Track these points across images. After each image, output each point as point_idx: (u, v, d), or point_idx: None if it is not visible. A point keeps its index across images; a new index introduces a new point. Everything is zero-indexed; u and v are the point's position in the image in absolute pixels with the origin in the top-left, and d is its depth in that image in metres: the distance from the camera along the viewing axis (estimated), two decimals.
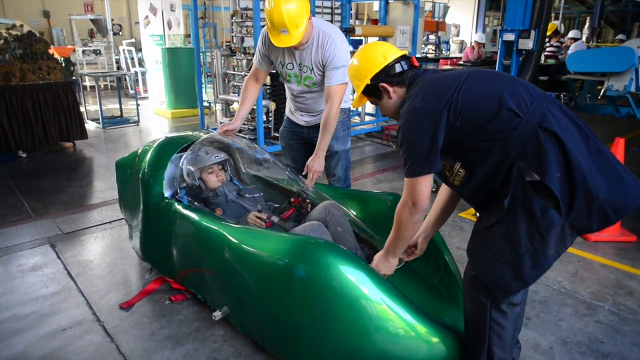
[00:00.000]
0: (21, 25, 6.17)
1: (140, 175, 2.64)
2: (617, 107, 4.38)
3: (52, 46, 9.36)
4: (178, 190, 2.63)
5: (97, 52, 11.11)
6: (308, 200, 2.50)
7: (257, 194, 2.73)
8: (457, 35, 15.76)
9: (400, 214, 1.59)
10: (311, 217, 2.40)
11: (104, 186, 4.39)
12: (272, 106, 5.07)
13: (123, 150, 5.70)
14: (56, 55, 5.87)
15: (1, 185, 4.35)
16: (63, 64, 7.82)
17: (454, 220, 3.56)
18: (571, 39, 8.81)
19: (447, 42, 13.61)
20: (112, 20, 10.98)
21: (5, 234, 3.30)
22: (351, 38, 6.08)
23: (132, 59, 10.66)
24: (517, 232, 1.37)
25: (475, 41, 8.99)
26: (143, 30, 8.72)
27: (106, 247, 3.13)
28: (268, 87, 5.31)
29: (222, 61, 5.81)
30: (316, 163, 2.53)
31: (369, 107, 7.28)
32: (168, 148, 2.70)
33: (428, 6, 11.85)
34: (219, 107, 6.37)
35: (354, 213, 2.48)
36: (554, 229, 1.34)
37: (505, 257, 1.41)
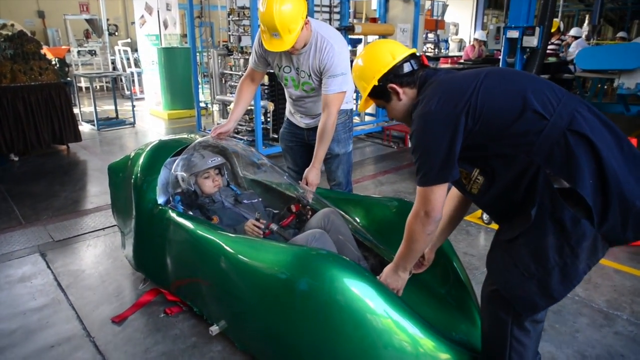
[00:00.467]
0: (12, 25, 6.02)
1: (132, 181, 2.51)
2: (627, 105, 4.26)
3: (45, 47, 9.23)
4: (171, 198, 2.50)
5: (92, 53, 10.97)
6: (308, 207, 2.37)
7: (256, 200, 2.60)
8: (456, 33, 15.66)
9: (412, 225, 1.47)
10: (310, 225, 2.28)
11: (98, 190, 4.26)
12: (271, 107, 4.95)
13: (118, 153, 5.57)
14: (49, 56, 5.74)
15: None
16: (57, 65, 7.70)
17: (459, 224, 3.44)
18: (572, 36, 8.70)
19: (446, 41, 13.52)
20: (108, 20, 10.83)
21: None
22: (350, 37, 5.96)
23: (127, 59, 10.52)
24: (545, 245, 1.25)
25: (475, 39, 8.87)
26: (139, 30, 8.59)
27: (99, 255, 3.00)
28: (266, 87, 5.18)
29: (219, 61, 5.68)
30: (313, 175, 2.42)
31: (370, 107, 7.15)
32: (162, 152, 2.58)
33: (427, 4, 11.72)
34: (216, 108, 6.24)
35: (357, 220, 2.36)
36: (585, 241, 1.22)
37: (532, 272, 1.29)
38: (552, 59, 7.92)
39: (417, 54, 1.56)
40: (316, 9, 5.61)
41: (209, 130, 5.97)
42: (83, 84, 10.72)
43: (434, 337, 1.59)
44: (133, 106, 7.31)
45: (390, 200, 2.40)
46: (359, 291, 1.59)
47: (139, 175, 2.49)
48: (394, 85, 1.50)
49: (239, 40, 5.37)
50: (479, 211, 3.66)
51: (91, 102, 6.98)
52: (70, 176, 4.72)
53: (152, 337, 2.16)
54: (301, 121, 2.72)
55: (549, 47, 8.29)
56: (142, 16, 8.35)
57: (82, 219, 3.59)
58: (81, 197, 4.13)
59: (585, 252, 1.24)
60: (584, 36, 9.00)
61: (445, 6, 13.32)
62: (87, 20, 11.86)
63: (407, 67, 1.49)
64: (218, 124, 5.86)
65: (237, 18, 5.26)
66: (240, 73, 5.29)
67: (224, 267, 1.97)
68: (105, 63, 11.07)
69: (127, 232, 2.68)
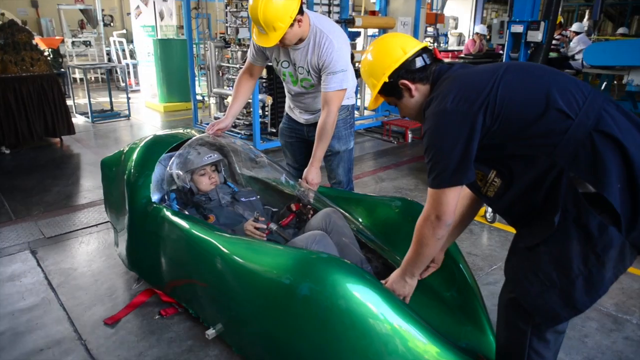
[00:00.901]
0: (2, 14, 5.87)
1: (125, 177, 2.42)
2: (635, 102, 4.17)
3: (39, 37, 9.06)
4: (166, 195, 2.41)
5: (87, 44, 10.77)
6: (309, 206, 2.29)
7: (253, 198, 2.51)
8: (456, 27, 15.51)
9: (422, 229, 1.39)
10: (311, 226, 2.19)
11: (92, 185, 4.15)
12: (269, 100, 4.84)
13: (113, 146, 5.45)
14: (42, 46, 5.60)
15: None
16: (50, 56, 7.54)
17: None
18: (574, 32, 8.61)
19: (446, 35, 13.39)
20: (103, 10, 10.64)
21: None
22: (349, 30, 5.84)
23: (123, 50, 10.35)
24: (568, 253, 1.17)
25: (476, 33, 8.77)
26: (134, 21, 8.44)
27: (91, 253, 2.91)
28: (264, 80, 5.07)
29: (216, 53, 5.56)
30: (312, 175, 2.33)
31: (368, 101, 7.05)
32: (156, 148, 2.48)
33: None
34: (212, 100, 6.13)
35: (359, 220, 2.27)
36: (612, 248, 1.14)
37: (554, 281, 1.21)
38: (553, 54, 7.83)
39: (429, 48, 1.47)
40: (315, 1, 5.49)
41: (207, 124, 5.90)
42: (77, 75, 10.54)
43: (441, 345, 1.51)
44: (128, 98, 7.18)
45: (393, 199, 2.31)
46: (362, 296, 1.51)
47: (132, 171, 2.39)
48: (406, 82, 1.41)
49: (237, 32, 5.25)
50: (482, 209, 3.58)
51: (85, 93, 6.84)
52: (62, 170, 4.61)
53: (146, 340, 2.08)
54: (300, 117, 2.63)
55: None
56: (138, 7, 8.20)
57: (74, 214, 3.50)
58: (74, 191, 4.03)
59: (612, 261, 1.16)
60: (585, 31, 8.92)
61: (444, 0, 13.17)
62: (82, 11, 11.65)
63: (419, 62, 1.41)
64: (215, 117, 5.77)
65: (235, 9, 5.13)
66: (238, 66, 5.18)
67: (221, 270, 1.88)
68: (100, 54, 10.89)
69: (120, 229, 2.58)
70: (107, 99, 7.33)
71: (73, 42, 10.60)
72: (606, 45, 3.88)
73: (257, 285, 1.73)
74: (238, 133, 5.29)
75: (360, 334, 1.49)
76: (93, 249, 2.95)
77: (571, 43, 8.12)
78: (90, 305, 2.34)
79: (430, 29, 10.93)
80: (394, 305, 1.51)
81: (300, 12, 2.14)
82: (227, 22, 5.31)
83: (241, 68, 5.14)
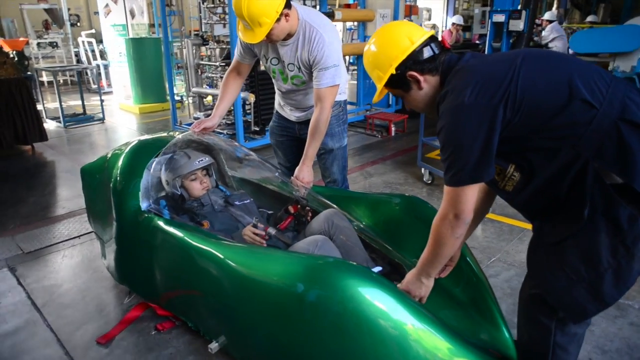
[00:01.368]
0: None
1: (111, 185, 2.28)
2: None
3: (0, 39, 8.63)
4: (154, 202, 2.28)
5: (53, 45, 10.33)
6: (308, 207, 2.20)
7: (247, 201, 2.42)
8: (429, 19, 15.59)
9: (440, 228, 1.33)
10: (312, 228, 2.11)
11: (70, 194, 3.96)
12: (251, 98, 4.72)
13: (88, 151, 5.24)
14: (5, 49, 5.30)
15: None
16: (15, 59, 7.19)
17: None
18: (547, 20, 8.74)
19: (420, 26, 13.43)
20: (69, 9, 10.21)
21: None
22: None
23: (92, 51, 9.97)
24: (597, 247, 1.14)
25: (452, 24, 8.79)
26: (104, 20, 8.12)
27: (76, 267, 2.75)
28: (246, 77, 4.94)
29: (194, 51, 5.39)
30: (304, 173, 2.25)
31: (350, 96, 6.99)
32: (143, 153, 2.35)
33: None
34: (190, 100, 5.95)
35: (361, 220, 2.21)
36: None
37: (581, 276, 1.17)
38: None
39: (437, 37, 1.40)
40: None
41: (187, 125, 5.73)
42: (45, 78, 10.11)
43: (459, 344, 1.46)
44: (102, 101, 6.91)
45: (394, 196, 2.26)
46: (374, 298, 1.46)
47: (118, 179, 2.26)
48: (414, 73, 1.34)
49: (211, 28, 5.08)
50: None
51: (55, 97, 6.55)
52: (37, 179, 4.38)
53: (144, 358, 1.97)
54: (291, 114, 2.54)
55: None
56: (107, 5, 7.88)
57: (54, 226, 3.32)
58: (51, 202, 3.83)
59: None
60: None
61: None
62: (46, 10, 11.13)
63: (427, 52, 1.33)
64: (195, 117, 5.60)
65: (212, 5, 4.97)
66: (217, 63, 5.02)
67: (222, 279, 1.79)
68: (69, 56, 10.47)
69: (107, 240, 2.45)
70: (79, 102, 7.04)
71: (39, 44, 10.14)
72: (592, 32, 3.92)
73: (264, 294, 1.66)
74: (220, 132, 5.15)
75: (376, 337, 1.44)
76: (77, 263, 2.80)
77: (544, 32, 8.24)
78: (80, 324, 2.21)
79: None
80: (408, 305, 1.47)
81: (288, 5, 2.05)
82: (205, 19, 5.13)
83: (221, 65, 5.06)
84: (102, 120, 6.78)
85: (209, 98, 5.58)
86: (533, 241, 1.34)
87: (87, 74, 9.82)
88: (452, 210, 1.27)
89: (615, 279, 1.16)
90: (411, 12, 10.61)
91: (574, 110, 1.13)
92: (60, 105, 6.35)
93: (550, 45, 7.81)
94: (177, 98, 6.74)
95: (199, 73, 5.43)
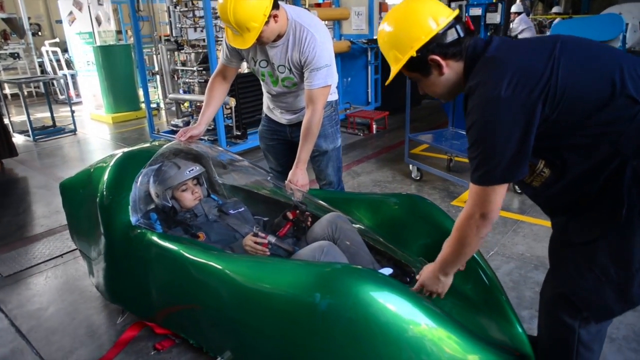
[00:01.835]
0: None
1: (98, 200, 2.16)
2: None
3: None
4: (143, 216, 2.18)
5: (15, 56, 9.91)
6: (308, 212, 2.14)
7: (242, 209, 2.34)
8: None
9: (465, 228, 1.27)
10: (314, 233, 2.05)
11: (47, 210, 3.76)
12: (232, 102, 4.61)
13: (62, 165, 5.01)
14: None
15: None
16: None
17: (448, 210, 3.35)
18: (514, 13, 8.92)
19: None
20: (30, 19, 9.81)
21: None
22: None
23: (57, 60, 9.59)
24: (629, 247, 1.11)
25: None
26: (68, 29, 7.82)
27: (61, 288, 2.60)
28: None
29: (168, 56, 5.23)
30: (298, 177, 2.19)
31: None
32: (130, 165, 2.24)
33: None
34: (162, 106, 5.77)
35: (363, 222, 2.16)
36: None
37: (610, 277, 1.14)
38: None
39: (460, 16, 1.29)
40: None
41: (165, 133, 5.56)
42: (9, 90, 9.67)
43: (474, 343, 1.44)
44: (72, 112, 6.64)
45: (395, 196, 2.23)
46: (387, 302, 1.42)
47: (105, 193, 2.14)
48: (436, 57, 1.23)
49: (181, 32, 4.93)
50: (467, 194, 3.58)
51: (20, 110, 6.26)
52: (9, 197, 4.15)
53: None
54: (282, 117, 2.48)
55: None
56: (71, 12, 7.59)
57: (33, 246, 3.14)
58: (27, 220, 3.63)
59: None
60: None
61: None
62: (4, 20, 10.68)
63: (452, 35, 1.22)
64: (173, 124, 5.44)
65: (186, 9, 4.83)
66: (194, 68, 4.89)
67: (227, 292, 1.72)
68: (32, 66, 10.06)
69: (95, 258, 2.32)
70: (47, 115, 6.75)
71: None
72: (572, 22, 4.01)
73: (272, 305, 1.60)
74: (201, 139, 5.01)
75: (391, 341, 1.40)
76: (62, 284, 2.65)
77: (513, 24, 8.41)
78: (71, 350, 2.08)
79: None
80: (421, 306, 1.43)
81: (275, 6, 1.99)
82: (179, 24, 4.98)
83: (198, 70, 4.92)
84: (74, 132, 6.52)
85: (186, 104, 5.44)
86: (556, 238, 1.31)
87: (53, 84, 9.45)
88: (479, 210, 1.21)
89: None
90: (381, 8, 10.69)
91: (617, 106, 1.07)
92: (28, 118, 6.07)
93: (519, 36, 7.97)
94: (153, 106, 6.55)
95: (175, 79, 5.28)
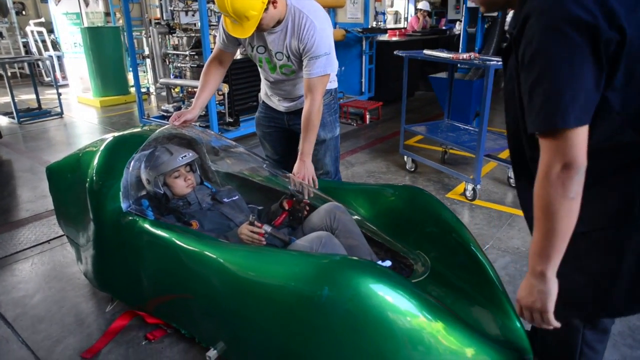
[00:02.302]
0: None
1: (87, 186, 2.09)
2: None
3: None
4: (135, 202, 2.11)
5: None
6: (305, 201, 2.10)
7: (236, 197, 2.28)
8: (392, 6, 15.63)
9: (544, 192, 0.97)
10: (312, 223, 2.01)
11: (32, 195, 3.66)
12: (225, 88, 4.53)
13: (48, 149, 4.88)
14: None
15: None
16: None
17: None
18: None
19: (384, 13, 13.44)
20: None
21: None
22: None
23: (43, 41, 9.33)
24: (626, 246, 1.07)
25: (419, 10, 8.80)
26: (54, 8, 7.60)
27: (48, 275, 2.53)
28: None
29: (160, 40, 5.10)
30: (305, 170, 2.14)
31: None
32: (121, 150, 2.17)
33: None
34: (154, 90, 5.66)
35: (362, 213, 2.13)
36: None
37: (613, 272, 1.11)
38: None
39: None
40: None
41: (155, 118, 5.44)
42: None
43: (474, 338, 1.43)
44: (59, 94, 6.47)
45: (393, 187, 2.19)
46: (386, 294, 1.40)
47: (95, 178, 2.07)
48: None
49: (172, 15, 4.81)
50: (461, 187, 3.57)
51: (4, 91, 6.08)
52: None
53: None
54: (280, 105, 2.42)
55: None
56: None
57: (18, 231, 3.05)
58: (12, 204, 3.53)
59: None
60: None
61: None
62: None
63: None
64: (163, 110, 5.33)
65: None
66: (187, 53, 4.78)
67: (221, 281, 1.68)
68: (16, 46, 9.77)
69: (84, 244, 2.25)
70: (32, 97, 6.57)
71: None
72: None
73: (268, 296, 1.56)
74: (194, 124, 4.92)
75: (390, 333, 1.38)
76: (49, 270, 2.58)
77: (508, 16, 8.40)
78: (59, 339, 2.02)
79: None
80: (420, 299, 1.42)
81: None
82: (171, 7, 4.85)
83: (191, 55, 4.81)
84: (60, 115, 6.36)
85: (177, 89, 5.33)
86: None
87: (38, 66, 9.20)
88: (560, 160, 0.94)
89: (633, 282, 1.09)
90: None
91: None
92: (13, 99, 5.90)
93: None
94: (143, 90, 6.41)
95: (166, 63, 5.16)
